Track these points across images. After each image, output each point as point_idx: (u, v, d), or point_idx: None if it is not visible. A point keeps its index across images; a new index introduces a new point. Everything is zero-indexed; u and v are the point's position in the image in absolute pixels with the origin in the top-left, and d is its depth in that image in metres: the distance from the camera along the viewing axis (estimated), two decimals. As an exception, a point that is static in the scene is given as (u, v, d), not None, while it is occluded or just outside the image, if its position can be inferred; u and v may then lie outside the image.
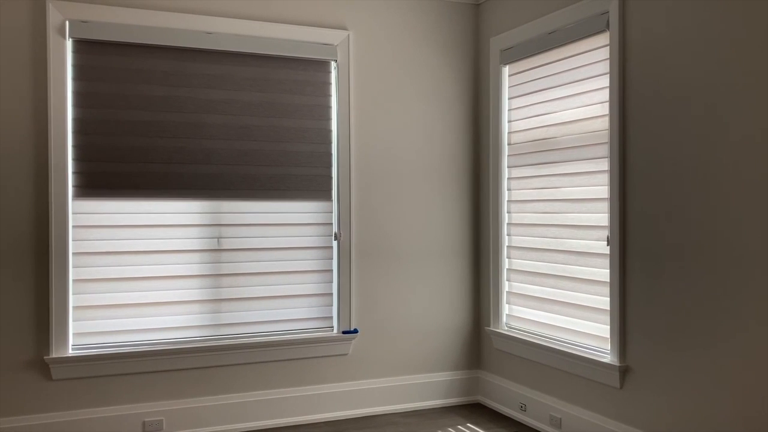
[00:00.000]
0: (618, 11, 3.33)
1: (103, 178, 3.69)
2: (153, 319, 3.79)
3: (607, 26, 3.41)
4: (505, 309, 4.33)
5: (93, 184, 3.67)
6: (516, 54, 4.14)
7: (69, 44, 3.60)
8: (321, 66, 4.14)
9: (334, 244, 4.18)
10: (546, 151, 3.92)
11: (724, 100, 2.82)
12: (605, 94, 3.47)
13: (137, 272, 3.76)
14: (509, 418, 4.19)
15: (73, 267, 3.63)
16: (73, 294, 3.62)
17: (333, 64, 4.16)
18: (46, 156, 3.55)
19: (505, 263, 4.31)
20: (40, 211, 3.55)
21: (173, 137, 3.82)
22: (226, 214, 3.93)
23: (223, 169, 3.92)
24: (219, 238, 3.93)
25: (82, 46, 3.65)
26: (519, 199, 4.18)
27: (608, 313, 3.44)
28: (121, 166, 3.72)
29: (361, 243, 4.24)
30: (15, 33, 3.50)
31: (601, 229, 3.51)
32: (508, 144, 4.28)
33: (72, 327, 3.62)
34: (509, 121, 4.28)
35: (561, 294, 3.81)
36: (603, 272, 3.49)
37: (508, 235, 4.30)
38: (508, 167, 4.29)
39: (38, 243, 3.55)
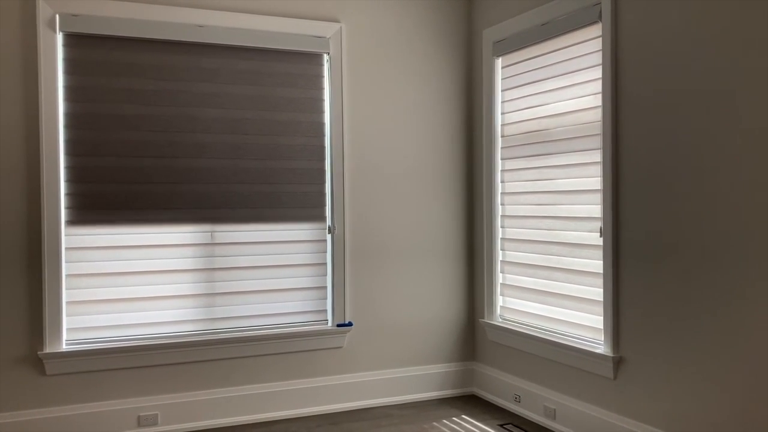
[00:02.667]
0: (610, 2, 3.33)
1: (95, 174, 3.67)
2: (147, 313, 3.78)
3: (600, 17, 3.41)
4: (499, 301, 4.34)
5: (85, 180, 3.65)
6: (509, 46, 4.13)
7: (59, 38, 3.58)
8: (313, 59, 4.13)
9: (328, 237, 4.17)
10: (539, 143, 3.92)
11: (718, 90, 2.83)
12: (598, 86, 3.47)
13: (131, 267, 3.75)
14: (504, 409, 4.20)
15: (66, 262, 3.61)
16: (66, 289, 3.61)
17: (325, 57, 4.15)
18: (37, 151, 3.53)
19: (499, 255, 4.32)
20: (32, 206, 3.53)
21: (165, 131, 3.80)
22: (219, 209, 3.92)
23: (216, 163, 3.91)
24: (212, 232, 3.92)
25: (73, 40, 3.62)
26: (512, 191, 4.19)
27: (602, 304, 3.46)
28: (113, 161, 3.70)
29: (354, 236, 4.23)
30: (4, 27, 3.47)
31: (594, 221, 3.52)
32: (501, 136, 4.28)
33: (66, 322, 3.61)
34: (502, 113, 4.28)
35: (554, 285, 3.82)
36: (596, 263, 3.50)
37: (501, 227, 4.30)
38: (501, 159, 4.29)
39: (31, 238, 3.53)
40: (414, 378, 4.40)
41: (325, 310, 4.19)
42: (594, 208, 3.52)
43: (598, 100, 3.47)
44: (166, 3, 3.77)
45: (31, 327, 3.55)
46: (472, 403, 4.35)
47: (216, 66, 3.90)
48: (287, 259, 4.08)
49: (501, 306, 4.33)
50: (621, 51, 3.31)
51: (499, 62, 4.28)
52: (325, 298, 4.19)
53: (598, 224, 3.49)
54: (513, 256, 4.19)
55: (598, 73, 3.47)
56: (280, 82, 4.05)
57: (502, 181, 4.28)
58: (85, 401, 3.65)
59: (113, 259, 3.72)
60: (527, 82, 4.02)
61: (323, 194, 4.17)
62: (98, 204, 3.68)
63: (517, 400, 4.11)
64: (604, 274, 3.42)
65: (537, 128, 3.95)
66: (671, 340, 3.07)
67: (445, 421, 4.00)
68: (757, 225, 2.68)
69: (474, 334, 4.59)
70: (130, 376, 3.73)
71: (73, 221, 3.63)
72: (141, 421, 3.73)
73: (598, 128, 3.48)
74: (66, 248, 3.61)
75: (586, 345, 3.56)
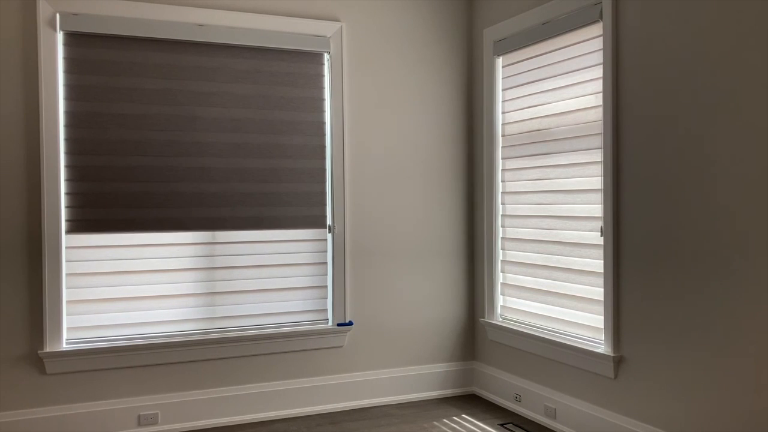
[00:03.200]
0: (611, 2, 3.32)
1: (96, 173, 3.67)
2: (147, 312, 3.78)
3: (601, 17, 3.40)
4: (500, 300, 4.34)
5: (85, 179, 3.65)
6: (509, 45, 4.13)
7: (60, 37, 3.58)
8: (314, 58, 4.12)
9: (329, 236, 4.17)
10: (540, 142, 3.92)
11: (719, 90, 2.82)
12: (599, 85, 3.46)
13: (131, 266, 3.75)
14: (504, 408, 4.20)
15: (66, 261, 3.61)
16: (66, 288, 3.61)
17: (326, 56, 4.15)
18: (37, 150, 3.53)
19: (500, 254, 4.31)
20: (33, 205, 3.53)
21: (165, 130, 3.80)
22: (219, 208, 3.92)
23: (216, 162, 3.90)
24: (213, 231, 3.91)
25: (73, 39, 3.62)
26: (513, 190, 4.18)
27: (602, 304, 3.45)
28: (113, 160, 3.70)
29: (355, 235, 4.23)
30: (5, 26, 3.47)
31: (595, 220, 3.52)
32: (502, 135, 4.28)
33: (66, 321, 3.61)
34: (503, 113, 4.27)
35: (555, 285, 3.81)
36: (597, 263, 3.50)
37: (502, 226, 4.30)
38: (501, 158, 4.28)
39: (31, 237, 3.53)
40: (414, 377, 4.40)
41: (326, 310, 4.19)
42: (595, 208, 3.52)
43: (598, 100, 3.47)
44: (167, 2, 3.76)
45: (31, 326, 3.54)
46: (472, 402, 4.35)
47: (216, 65, 3.90)
48: (287, 258, 4.08)
49: (501, 305, 4.33)
50: (622, 50, 3.30)
51: (499, 61, 4.28)
52: (326, 298, 4.18)
53: (599, 224, 3.48)
54: (513, 255, 4.19)
55: (598, 72, 3.46)
56: (280, 81, 4.04)
57: (503, 181, 4.28)
58: (85, 400, 3.64)
59: (114, 258, 3.71)
60: (528, 81, 4.01)
61: (324, 193, 4.16)
62: (99, 203, 3.67)
63: (518, 399, 4.10)
64: (605, 274, 3.41)
65: (538, 127, 3.94)
66: (672, 339, 3.07)
67: (445, 420, 4.00)
68: (758, 224, 2.67)
69: (474, 334, 4.58)
70: (130, 375, 3.72)
71: (73, 220, 3.63)
72: (141, 420, 3.73)
73: (598, 128, 3.47)
74: (66, 247, 3.61)
75: (586, 344, 3.56)
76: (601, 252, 3.47)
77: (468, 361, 4.57)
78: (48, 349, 3.55)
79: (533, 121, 3.98)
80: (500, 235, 4.31)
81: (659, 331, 3.13)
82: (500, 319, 4.32)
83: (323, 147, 4.16)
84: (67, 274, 3.61)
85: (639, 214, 3.22)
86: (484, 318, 4.43)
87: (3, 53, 3.47)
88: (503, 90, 4.26)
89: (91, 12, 3.60)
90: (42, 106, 3.52)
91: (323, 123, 4.16)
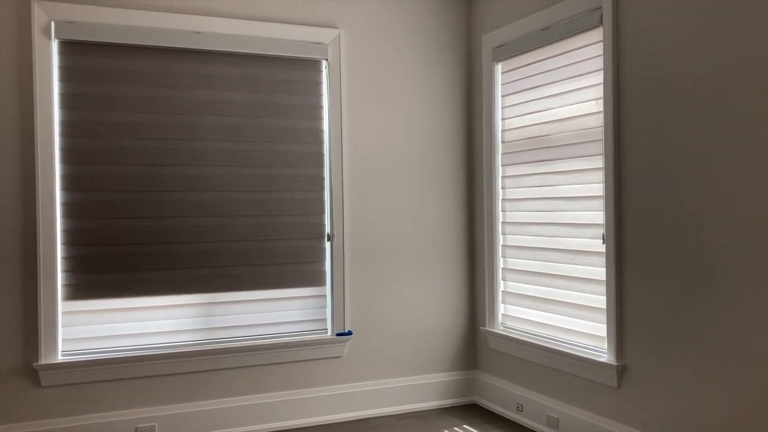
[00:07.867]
0: (611, 6, 3.30)
1: (91, 182, 3.63)
2: (144, 323, 3.73)
3: (601, 22, 3.37)
4: (501, 309, 4.29)
5: (80, 188, 3.61)
6: (509, 51, 4.10)
7: (55, 45, 3.55)
8: (312, 65, 4.10)
9: (328, 245, 4.13)
10: (540, 148, 3.89)
11: (720, 95, 2.79)
12: (600, 91, 3.43)
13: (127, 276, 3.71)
14: (506, 418, 4.15)
15: (62, 271, 3.57)
16: (61, 299, 3.56)
17: (324, 63, 4.12)
18: (32, 159, 3.49)
19: (500, 262, 4.28)
20: (28, 215, 3.49)
21: (162, 139, 3.77)
22: (217, 217, 3.88)
23: (213, 171, 3.87)
24: (213, 241, 3.87)
25: (69, 47, 3.59)
26: (513, 197, 4.15)
27: (605, 312, 3.41)
28: (109, 169, 3.66)
29: (354, 243, 4.19)
30: (-1, 34, 3.45)
31: (597, 227, 3.48)
32: (502, 142, 4.25)
33: (61, 333, 3.56)
34: (503, 119, 4.24)
35: (557, 293, 3.77)
36: (599, 270, 3.46)
37: (502, 234, 4.26)
38: (502, 165, 4.25)
39: (26, 246, 3.49)
40: (415, 387, 4.35)
41: (325, 319, 4.14)
42: (596, 215, 3.48)
43: (599, 105, 3.44)
44: (163, 10, 3.74)
45: (26, 337, 3.50)
46: (473, 412, 4.30)
47: (213, 73, 3.87)
48: (286, 267, 4.03)
49: (502, 314, 4.29)
50: (623, 55, 3.27)
51: (498, 67, 4.25)
52: (325, 307, 4.14)
53: (601, 231, 3.45)
54: (514, 263, 4.15)
55: (599, 77, 3.43)
56: (278, 88, 4.01)
57: (503, 188, 4.25)
58: (81, 413, 3.60)
59: (110, 270, 3.67)
60: (528, 87, 3.98)
61: (322, 201, 4.12)
62: (95, 213, 3.64)
63: (520, 409, 4.06)
64: (607, 282, 3.37)
65: (538, 134, 3.91)
66: (676, 347, 3.02)
67: (446, 431, 3.95)
68: (761, 232, 2.64)
69: (475, 343, 4.54)
70: (126, 387, 3.68)
71: (68, 230, 3.59)
72: (138, 433, 3.69)
73: (600, 134, 3.44)
74: (62, 257, 3.57)
75: (589, 353, 3.52)
76: (603, 259, 3.43)
77: (469, 371, 4.53)
78: (43, 361, 3.50)
79: (533, 127, 3.95)
80: (501, 242, 4.27)
81: (663, 340, 3.09)
82: (501, 328, 4.28)
83: (321, 154, 4.12)
84: (63, 285, 3.57)
85: (641, 221, 3.19)
86: (485, 327, 4.39)
87: (-3, 62, 3.45)
88: (503, 96, 4.23)
89: (86, 20, 3.58)
90: (37, 115, 3.49)
91: (321, 130, 4.12)
